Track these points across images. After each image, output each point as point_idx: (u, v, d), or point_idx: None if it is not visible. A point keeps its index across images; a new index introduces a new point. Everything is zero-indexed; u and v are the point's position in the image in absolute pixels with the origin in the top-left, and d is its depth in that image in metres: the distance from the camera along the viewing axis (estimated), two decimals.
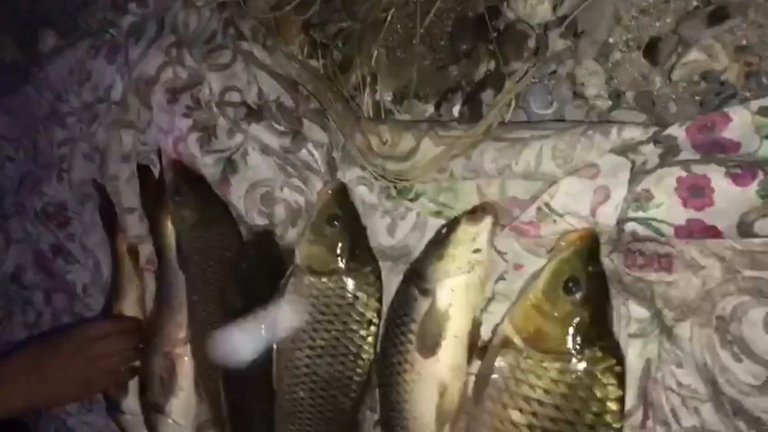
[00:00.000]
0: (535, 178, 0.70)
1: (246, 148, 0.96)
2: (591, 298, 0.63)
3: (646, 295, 0.65)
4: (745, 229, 0.57)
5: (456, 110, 0.84)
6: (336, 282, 0.82)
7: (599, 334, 0.63)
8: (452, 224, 0.73)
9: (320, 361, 0.82)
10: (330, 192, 0.84)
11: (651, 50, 0.70)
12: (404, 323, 0.75)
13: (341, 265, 0.82)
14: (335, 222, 0.82)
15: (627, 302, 0.66)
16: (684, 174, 0.60)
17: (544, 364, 0.64)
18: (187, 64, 1.02)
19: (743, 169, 0.57)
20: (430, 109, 0.87)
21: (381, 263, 0.83)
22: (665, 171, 0.61)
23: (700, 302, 0.62)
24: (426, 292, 0.73)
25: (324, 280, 0.82)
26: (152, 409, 1.03)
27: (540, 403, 0.63)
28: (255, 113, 0.94)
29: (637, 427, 0.65)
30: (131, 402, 1.12)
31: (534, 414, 0.64)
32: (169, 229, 1.02)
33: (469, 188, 0.76)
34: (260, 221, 0.95)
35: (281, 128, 0.91)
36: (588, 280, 0.63)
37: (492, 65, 0.82)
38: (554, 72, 0.77)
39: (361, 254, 0.83)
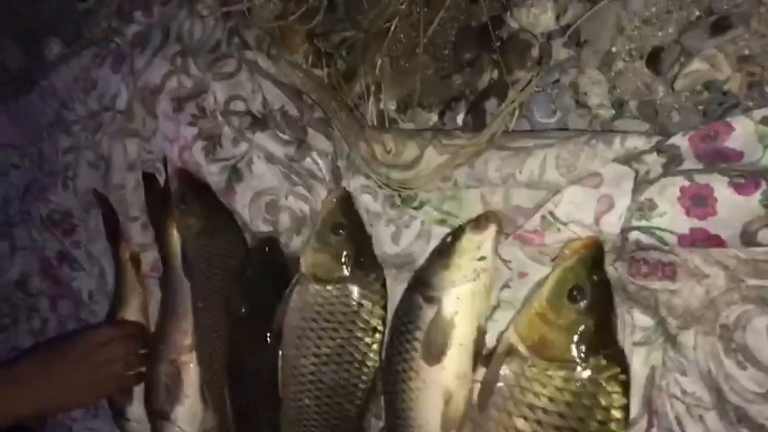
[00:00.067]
0: (538, 186, 0.71)
1: (251, 156, 0.96)
2: (595, 306, 0.64)
3: (650, 303, 0.65)
4: (748, 238, 0.58)
5: (460, 119, 0.84)
6: (341, 290, 0.82)
7: (604, 343, 0.64)
8: (457, 233, 0.74)
9: (325, 369, 0.82)
10: (335, 200, 0.84)
11: (654, 60, 0.71)
12: (409, 331, 0.75)
13: (346, 273, 0.82)
14: (340, 230, 0.82)
15: (631, 310, 0.66)
16: (687, 183, 0.60)
17: (549, 373, 0.64)
18: (192, 73, 1.02)
19: (746, 178, 0.57)
20: (434, 117, 0.88)
21: (385, 271, 0.84)
22: (668, 180, 0.61)
23: (704, 310, 0.62)
24: (431, 300, 0.73)
25: (329, 288, 0.82)
26: (158, 416, 1.04)
27: (545, 411, 0.64)
28: (260, 122, 0.94)
29: None
30: (136, 409, 1.12)
31: (539, 422, 0.64)
32: (175, 237, 1.02)
33: (473, 197, 0.76)
34: (265, 229, 0.95)
35: (286, 137, 0.92)
36: (592, 289, 0.64)
37: (495, 74, 0.82)
38: (557, 81, 0.77)
39: (366, 262, 0.83)
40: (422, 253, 0.80)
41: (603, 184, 0.65)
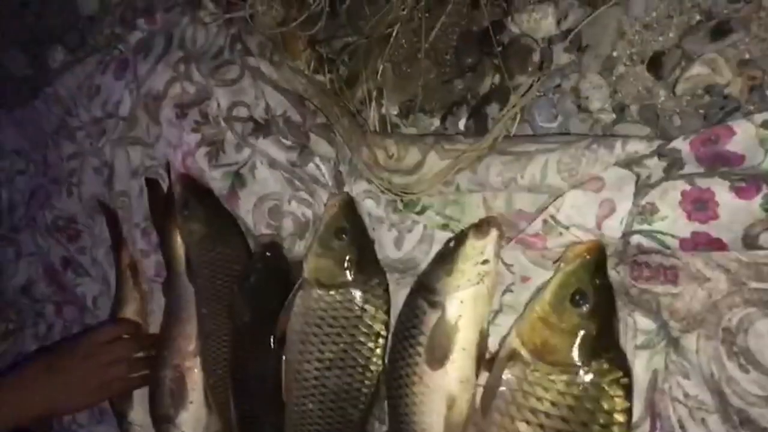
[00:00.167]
0: (540, 191, 0.71)
1: (254, 162, 0.97)
2: (598, 310, 0.64)
3: (652, 307, 0.65)
4: (750, 241, 0.58)
5: (461, 124, 0.85)
6: (344, 295, 0.82)
7: (606, 346, 0.64)
8: (460, 239, 0.74)
9: (329, 374, 0.82)
10: (337, 205, 0.85)
11: (655, 64, 0.71)
12: (412, 336, 0.75)
13: (349, 277, 0.82)
14: (343, 235, 0.82)
15: (633, 314, 0.66)
16: (688, 187, 0.60)
17: (551, 377, 0.64)
18: (195, 79, 1.03)
19: (747, 182, 0.57)
20: (436, 122, 0.88)
21: (388, 276, 0.84)
22: (669, 184, 0.61)
23: (706, 314, 0.62)
24: (435, 305, 0.73)
25: (332, 293, 0.82)
26: (163, 421, 1.04)
27: (547, 415, 0.64)
28: (262, 128, 0.95)
29: None
30: (138, 414, 1.12)
31: (541, 426, 0.64)
32: (178, 242, 1.03)
33: (476, 201, 0.77)
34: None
35: (288, 143, 0.92)
36: (595, 293, 0.64)
37: (497, 79, 0.83)
38: (559, 86, 0.77)
39: (369, 267, 0.83)
40: (425, 257, 0.81)
41: (604, 188, 0.65)
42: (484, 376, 0.71)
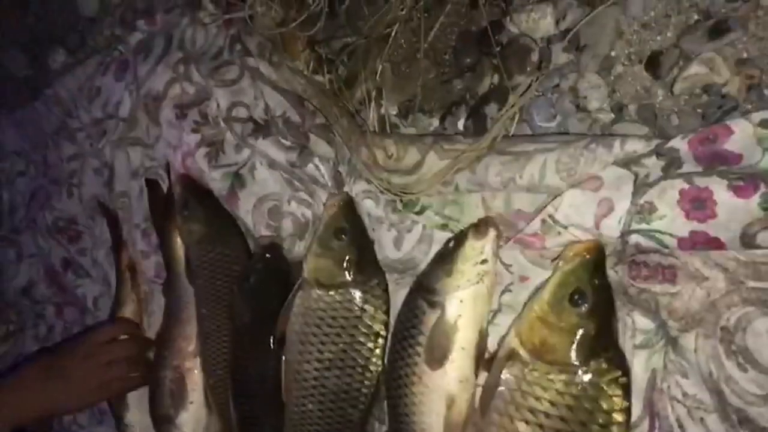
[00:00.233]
0: (539, 190, 0.71)
1: (253, 162, 0.97)
2: (597, 310, 0.64)
3: (650, 306, 0.65)
4: (747, 240, 0.58)
5: (461, 124, 0.85)
6: (343, 295, 0.82)
7: (605, 346, 0.64)
8: (459, 240, 0.74)
9: (329, 374, 0.82)
10: (337, 205, 0.85)
11: (653, 64, 0.71)
12: (412, 336, 0.75)
13: (348, 278, 0.82)
14: (342, 235, 0.83)
15: (632, 313, 0.66)
16: (686, 186, 0.60)
17: (550, 376, 0.64)
18: (194, 80, 1.03)
19: (745, 181, 0.57)
20: (435, 122, 0.88)
21: (387, 276, 0.84)
22: (668, 183, 0.61)
23: (705, 313, 0.62)
24: (434, 305, 0.73)
25: (331, 293, 0.82)
26: (163, 421, 1.04)
27: (546, 415, 0.64)
28: (262, 128, 0.95)
29: None
30: (136, 415, 1.13)
31: (540, 426, 0.64)
32: (178, 243, 1.03)
33: (474, 201, 0.77)
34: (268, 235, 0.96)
35: (288, 143, 0.92)
36: (594, 293, 0.64)
37: (496, 79, 0.83)
38: (557, 85, 0.77)
39: (368, 267, 0.83)
40: (424, 257, 0.81)
41: (603, 188, 0.65)
42: (484, 375, 0.71)
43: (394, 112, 0.92)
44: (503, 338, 0.70)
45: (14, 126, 1.45)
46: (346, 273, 0.82)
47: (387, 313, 0.83)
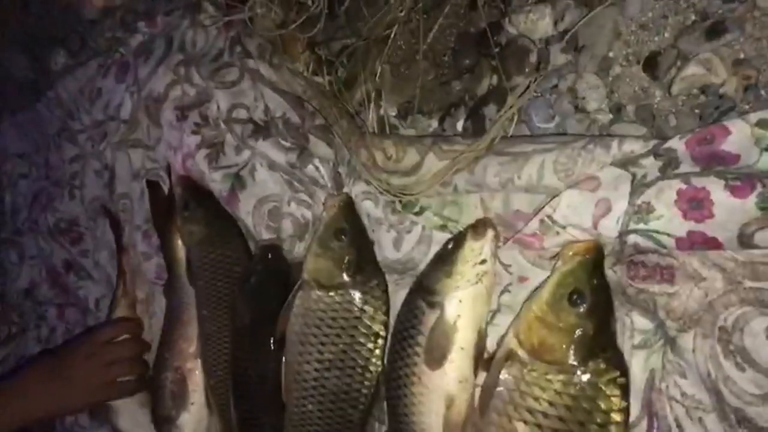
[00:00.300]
0: (537, 191, 0.71)
1: (253, 164, 0.97)
2: (595, 310, 0.64)
3: (649, 306, 0.65)
4: (745, 240, 0.58)
5: (459, 125, 0.85)
6: (343, 296, 0.82)
7: (603, 346, 0.64)
8: (458, 240, 0.74)
9: (328, 375, 0.82)
10: (337, 206, 0.85)
11: (650, 64, 0.71)
12: (411, 336, 0.75)
13: (348, 278, 0.82)
14: (342, 236, 0.83)
15: (630, 313, 0.66)
16: (684, 186, 0.60)
17: (549, 376, 0.64)
18: (195, 82, 1.04)
19: (742, 181, 0.57)
20: (434, 124, 0.88)
21: (387, 276, 0.84)
22: (665, 183, 0.61)
23: (703, 313, 0.62)
24: (433, 305, 0.74)
25: (331, 294, 0.82)
26: (164, 422, 1.04)
27: (545, 415, 0.64)
28: (262, 130, 0.95)
29: None
30: (128, 422, 1.13)
31: (539, 426, 0.64)
32: (179, 244, 1.03)
33: (473, 202, 0.77)
34: (268, 236, 0.96)
35: (288, 144, 0.92)
36: (592, 293, 0.64)
37: (494, 80, 0.83)
38: (555, 86, 0.78)
39: (368, 268, 0.83)
40: (423, 258, 0.81)
41: (600, 188, 0.65)
42: (483, 376, 0.71)
43: (394, 114, 0.92)
44: (502, 338, 0.70)
45: (16, 128, 1.46)
46: (346, 274, 0.82)
47: (386, 313, 0.83)
